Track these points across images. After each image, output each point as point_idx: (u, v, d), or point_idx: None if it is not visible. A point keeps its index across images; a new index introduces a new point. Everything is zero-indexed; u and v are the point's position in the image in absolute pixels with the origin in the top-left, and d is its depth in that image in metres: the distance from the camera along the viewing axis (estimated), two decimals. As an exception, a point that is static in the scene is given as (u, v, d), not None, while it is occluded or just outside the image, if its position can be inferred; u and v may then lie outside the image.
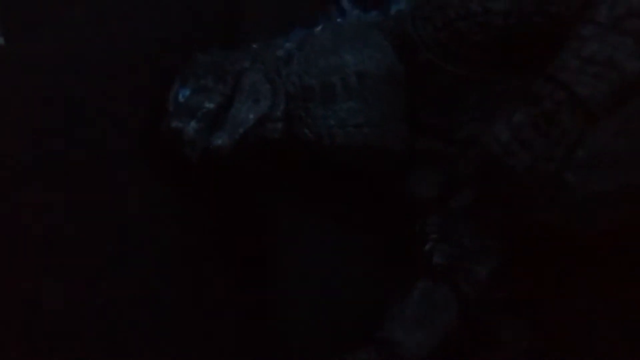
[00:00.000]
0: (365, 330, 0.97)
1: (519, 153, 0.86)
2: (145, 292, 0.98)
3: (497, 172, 0.88)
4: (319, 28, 1.06)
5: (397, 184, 1.05)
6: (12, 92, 0.92)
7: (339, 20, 1.08)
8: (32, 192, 0.93)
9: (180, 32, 1.06)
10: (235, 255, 1.05)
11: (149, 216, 1.01)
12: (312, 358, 0.95)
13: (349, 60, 1.00)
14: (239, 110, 0.98)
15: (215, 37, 1.09)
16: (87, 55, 0.97)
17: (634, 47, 0.83)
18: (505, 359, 1.05)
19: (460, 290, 1.00)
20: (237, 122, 0.98)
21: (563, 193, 0.97)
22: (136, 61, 1.01)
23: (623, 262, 1.04)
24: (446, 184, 1.02)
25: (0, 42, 0.92)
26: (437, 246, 1.02)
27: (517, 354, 1.05)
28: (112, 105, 1.00)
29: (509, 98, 0.94)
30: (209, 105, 0.98)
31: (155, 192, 1.01)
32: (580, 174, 0.97)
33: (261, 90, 1.00)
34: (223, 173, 1.01)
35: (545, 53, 0.89)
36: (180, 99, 0.99)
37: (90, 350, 0.93)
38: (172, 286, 0.99)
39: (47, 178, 0.94)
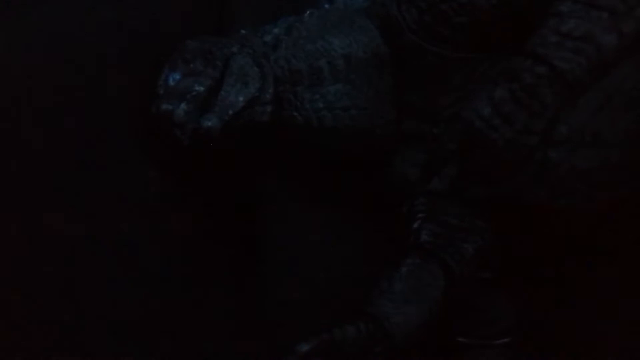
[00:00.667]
0: (354, 306, 0.99)
1: (501, 127, 0.88)
2: (136, 274, 0.99)
3: (479, 146, 0.89)
4: (306, 14, 1.07)
5: (385, 165, 1.07)
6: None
7: (326, 6, 1.10)
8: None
9: (170, 19, 1.08)
10: (226, 236, 1.07)
11: (140, 199, 1.02)
12: (302, 334, 0.96)
13: (336, 43, 1.02)
14: (228, 93, 0.99)
15: (205, 25, 1.10)
16: (76, 43, 0.98)
17: (610, 22, 0.85)
18: (492, 336, 1.06)
19: (447, 267, 1.01)
20: (226, 105, 0.99)
21: (547, 171, 0.99)
22: (126, 48, 1.03)
23: (607, 240, 1.05)
24: (431, 163, 1.04)
25: None
26: (424, 224, 1.03)
27: (503, 331, 1.07)
28: (102, 91, 1.01)
29: (493, 78, 0.95)
30: (199, 88, 0.99)
31: (146, 175, 1.03)
32: (563, 151, 0.98)
33: (250, 74, 1.01)
34: (213, 156, 1.02)
35: (528, 33, 0.91)
36: (170, 82, 1.00)
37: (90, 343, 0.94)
38: (162, 265, 1.00)
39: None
